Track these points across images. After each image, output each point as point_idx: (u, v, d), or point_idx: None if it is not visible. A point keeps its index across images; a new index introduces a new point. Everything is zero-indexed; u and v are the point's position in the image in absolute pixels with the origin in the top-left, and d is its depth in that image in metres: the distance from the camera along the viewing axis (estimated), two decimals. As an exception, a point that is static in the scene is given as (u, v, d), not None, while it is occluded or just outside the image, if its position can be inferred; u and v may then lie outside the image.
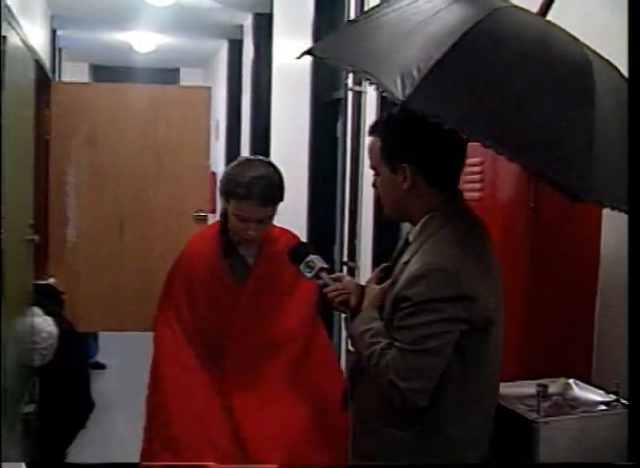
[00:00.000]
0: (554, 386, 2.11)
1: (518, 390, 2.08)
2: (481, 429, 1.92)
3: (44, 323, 2.45)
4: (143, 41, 9.21)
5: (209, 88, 3.51)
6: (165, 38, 9.09)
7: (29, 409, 2.06)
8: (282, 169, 7.21)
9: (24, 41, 2.09)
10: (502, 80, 1.69)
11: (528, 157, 1.67)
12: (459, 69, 1.66)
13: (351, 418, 2.02)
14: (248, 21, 7.78)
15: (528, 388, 2.06)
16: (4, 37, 1.67)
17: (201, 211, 3.58)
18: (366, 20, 1.96)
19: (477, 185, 2.51)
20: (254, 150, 7.59)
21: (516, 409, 1.97)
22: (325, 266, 2.10)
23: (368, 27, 1.91)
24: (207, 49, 9.96)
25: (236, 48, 8.48)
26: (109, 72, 10.77)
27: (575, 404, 2.07)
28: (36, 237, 2.36)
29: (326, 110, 5.59)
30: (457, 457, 1.87)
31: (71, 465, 1.66)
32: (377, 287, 1.94)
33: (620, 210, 1.72)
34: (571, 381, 2.17)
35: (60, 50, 8.70)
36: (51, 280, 2.92)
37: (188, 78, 11.43)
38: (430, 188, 1.88)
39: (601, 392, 2.10)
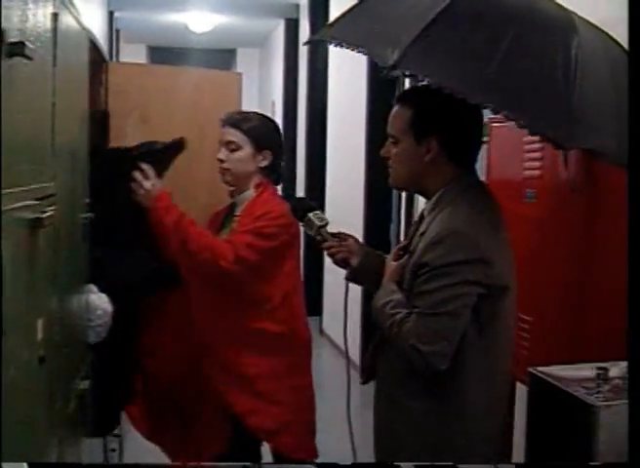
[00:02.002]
0: (614, 370, 2.05)
1: (576, 373, 2.04)
2: (501, 397, 1.98)
3: (99, 300, 2.48)
4: (200, 21, 9.24)
5: (240, 74, 3.63)
6: (221, 18, 9.10)
7: (84, 385, 2.09)
8: (339, 147, 7.17)
9: (78, 20, 2.10)
10: (488, 41, 1.75)
11: (512, 110, 1.73)
12: (446, 32, 1.74)
13: (374, 391, 2.05)
14: (304, 0, 7.74)
15: (587, 371, 2.01)
16: (56, 14, 1.67)
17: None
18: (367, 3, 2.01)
19: (537, 163, 2.48)
20: (310, 130, 7.58)
21: (574, 393, 1.93)
22: (325, 223, 2.14)
23: (369, 7, 1.97)
24: (263, 28, 9.95)
25: (292, 27, 8.44)
26: (166, 53, 10.84)
27: (636, 388, 2.01)
28: (92, 215, 2.38)
29: (383, 89, 5.54)
30: (479, 426, 1.91)
31: (72, 465, 1.69)
32: (395, 263, 1.98)
33: (609, 161, 1.84)
34: (632, 365, 2.11)
35: (117, 31, 8.77)
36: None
37: (245, 58, 11.46)
38: (449, 163, 1.92)
39: (664, 376, 2.03)
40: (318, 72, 7.23)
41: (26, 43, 1.24)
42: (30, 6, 1.40)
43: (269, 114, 9.44)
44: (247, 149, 2.59)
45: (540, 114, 1.73)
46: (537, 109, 1.74)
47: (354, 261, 2.08)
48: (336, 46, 1.96)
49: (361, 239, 5.95)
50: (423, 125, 1.90)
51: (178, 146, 2.71)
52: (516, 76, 1.75)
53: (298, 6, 8.19)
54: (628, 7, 1.78)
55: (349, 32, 1.95)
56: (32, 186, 1.45)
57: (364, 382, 2.12)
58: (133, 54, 9.92)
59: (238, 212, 2.63)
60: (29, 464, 1.39)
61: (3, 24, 1.17)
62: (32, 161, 1.49)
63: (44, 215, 1.40)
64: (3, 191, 1.20)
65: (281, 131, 2.76)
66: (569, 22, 1.87)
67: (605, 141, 1.80)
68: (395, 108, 1.97)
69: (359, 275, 2.10)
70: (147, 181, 2.50)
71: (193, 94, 3.40)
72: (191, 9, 8.66)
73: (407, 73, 1.78)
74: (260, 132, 2.61)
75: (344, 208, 6.06)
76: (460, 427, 1.90)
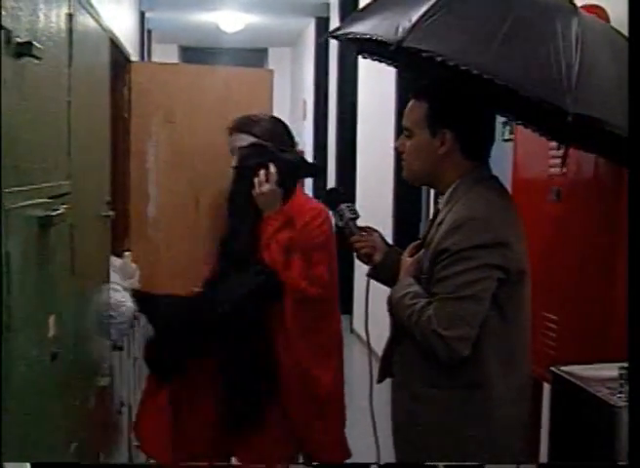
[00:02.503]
0: (639, 369, 2.01)
1: (599, 373, 2.00)
2: (524, 385, 1.97)
3: (122, 298, 2.50)
4: (231, 21, 9.26)
5: (271, 71, 3.56)
6: (252, 17, 9.11)
7: (104, 382, 2.11)
8: (369, 146, 7.12)
9: (97, 20, 2.11)
10: (492, 18, 1.79)
11: (515, 81, 1.73)
12: (451, 11, 1.77)
13: (391, 388, 2.06)
14: (334, -2, 7.73)
15: (610, 371, 1.97)
16: (70, 15, 1.69)
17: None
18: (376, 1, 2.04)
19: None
20: (340, 127, 7.57)
21: (596, 393, 1.90)
22: (356, 216, 2.17)
23: (377, 4, 2.01)
24: (294, 27, 9.95)
25: (323, 25, 8.42)
26: (198, 53, 10.90)
27: (661, 388, 1.98)
28: (112, 213, 2.39)
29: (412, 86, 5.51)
30: (502, 413, 1.91)
31: (72, 465, 1.71)
32: (410, 258, 2.00)
33: (614, 131, 1.78)
34: (657, 364, 2.07)
35: (149, 31, 8.83)
36: (127, 253, 2.98)
37: (277, 58, 11.46)
38: (463, 157, 1.94)
39: (690, 376, 1.99)
40: (348, 70, 7.22)
41: (35, 43, 1.24)
42: (41, 6, 1.41)
43: (301, 113, 9.46)
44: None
45: (543, 84, 1.75)
46: (540, 80, 1.75)
47: (377, 257, 2.10)
48: (343, 40, 2.08)
49: (391, 236, 5.91)
50: (438, 117, 1.93)
51: (312, 170, 2.63)
52: (519, 50, 1.77)
53: (328, 4, 8.17)
54: (628, 7, 1.78)
55: (356, 25, 1.98)
56: (45, 184, 1.46)
57: (380, 380, 2.12)
58: (164, 54, 9.97)
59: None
60: (32, 464, 1.39)
61: (11, 25, 1.18)
62: (44, 159, 1.50)
63: (54, 213, 1.40)
64: (12, 189, 1.21)
65: (290, 128, 2.71)
66: (569, 6, 1.91)
67: (609, 114, 1.79)
68: (411, 102, 2.00)
69: (380, 272, 2.11)
70: (266, 185, 2.45)
71: (221, 92, 3.38)
72: (222, 8, 8.68)
73: (415, 48, 1.75)
74: (271, 132, 2.58)
75: (375, 205, 6.04)
76: (482, 415, 1.90)
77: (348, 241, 2.16)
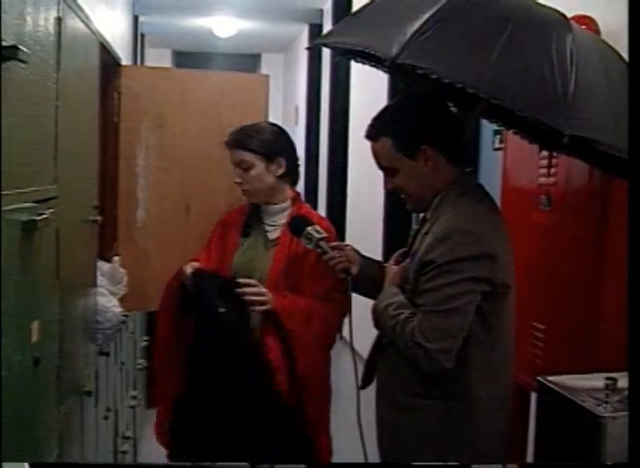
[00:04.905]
0: (624, 380, 2.01)
1: (586, 383, 2.01)
2: (506, 395, 1.99)
3: (109, 303, 2.49)
4: (224, 26, 9.28)
5: (267, 76, 3.54)
6: (246, 23, 9.14)
7: (89, 387, 2.10)
8: (360, 154, 7.14)
9: (87, 24, 2.11)
10: (487, 35, 1.78)
11: (510, 99, 1.74)
12: (445, 27, 1.77)
13: (376, 395, 2.07)
14: (328, 5, 7.75)
15: (597, 381, 1.98)
16: (59, 19, 1.68)
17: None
18: (367, 9, 2.04)
19: (552, 170, 2.47)
20: (332, 135, 7.58)
21: (582, 403, 1.90)
22: (324, 236, 2.19)
23: (368, 13, 2.02)
24: (288, 33, 9.97)
25: (316, 32, 8.44)
26: (191, 58, 10.92)
27: (646, 399, 1.97)
28: (99, 218, 2.38)
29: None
30: (487, 419, 1.93)
31: (71, 465, 1.70)
32: (396, 267, 2.01)
33: (613, 155, 1.79)
34: (643, 375, 2.07)
35: (142, 36, 8.83)
36: (116, 258, 2.97)
37: (270, 63, 11.47)
38: (450, 164, 1.95)
39: (675, 387, 1.99)
40: (341, 76, 7.24)
41: (21, 47, 1.24)
42: (29, 10, 1.41)
43: (293, 119, 9.47)
44: (260, 164, 2.50)
45: (538, 104, 1.75)
46: (534, 99, 1.75)
47: (354, 270, 2.11)
48: (334, 49, 2.09)
49: (381, 243, 5.89)
50: (409, 141, 1.93)
51: None
52: (515, 68, 1.76)
53: (321, 11, 8.20)
54: (628, 8, 1.77)
55: (349, 35, 1.97)
56: (30, 189, 1.45)
57: (363, 386, 2.12)
58: (158, 58, 9.97)
59: (269, 221, 2.56)
60: (31, 464, 1.40)
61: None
62: (30, 164, 1.49)
63: (39, 218, 1.40)
64: (-5, 193, 1.20)
65: (287, 132, 2.65)
66: (563, 21, 1.91)
67: (603, 133, 1.80)
68: (372, 145, 1.99)
69: (360, 284, 2.12)
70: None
71: (214, 98, 3.34)
72: (216, 14, 8.70)
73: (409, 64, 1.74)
74: (268, 142, 2.51)
75: (366, 208, 6.05)
76: (467, 425, 1.91)
77: (323, 260, 2.17)
